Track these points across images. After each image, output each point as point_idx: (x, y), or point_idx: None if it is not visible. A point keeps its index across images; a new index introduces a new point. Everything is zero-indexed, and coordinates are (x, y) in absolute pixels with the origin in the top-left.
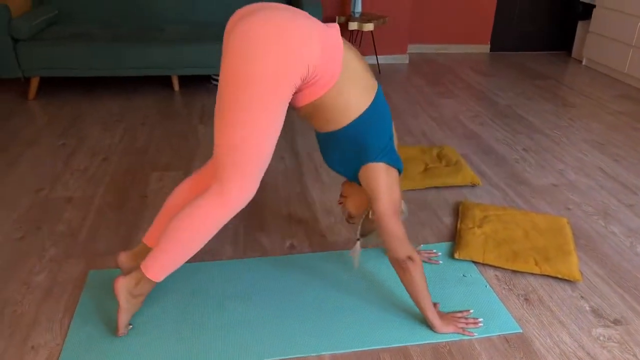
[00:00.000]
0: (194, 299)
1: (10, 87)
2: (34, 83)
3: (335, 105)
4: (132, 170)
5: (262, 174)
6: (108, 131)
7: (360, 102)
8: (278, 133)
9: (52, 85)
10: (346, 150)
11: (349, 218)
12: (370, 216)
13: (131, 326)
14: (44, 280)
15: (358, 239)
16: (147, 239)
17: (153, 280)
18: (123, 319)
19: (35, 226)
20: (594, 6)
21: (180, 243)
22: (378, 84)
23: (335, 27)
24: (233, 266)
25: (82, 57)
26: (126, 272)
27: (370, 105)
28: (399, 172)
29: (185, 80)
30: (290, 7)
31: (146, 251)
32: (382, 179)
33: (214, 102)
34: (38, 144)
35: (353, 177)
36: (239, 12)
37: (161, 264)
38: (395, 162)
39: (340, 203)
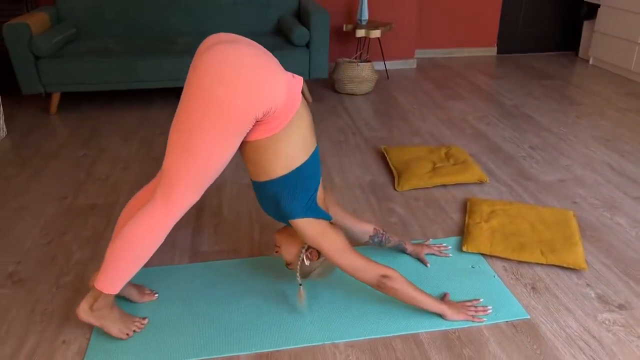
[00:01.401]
0: (213, 292)
1: (32, 103)
2: (55, 98)
3: (271, 152)
4: (151, 178)
5: (205, 188)
6: (127, 142)
7: (294, 158)
8: (230, 157)
9: (72, 100)
10: (271, 203)
11: (287, 265)
12: (305, 260)
13: (147, 319)
14: (72, 281)
15: (300, 284)
16: None
17: (110, 293)
18: (113, 332)
19: (61, 232)
20: (599, 6)
21: (130, 253)
22: (317, 145)
23: (299, 80)
24: (249, 264)
25: (100, 72)
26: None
27: (301, 165)
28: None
29: None
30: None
31: None
32: (312, 230)
33: None
34: (60, 156)
35: (282, 221)
36: (218, 37)
37: (114, 277)
38: (320, 216)
39: (276, 252)
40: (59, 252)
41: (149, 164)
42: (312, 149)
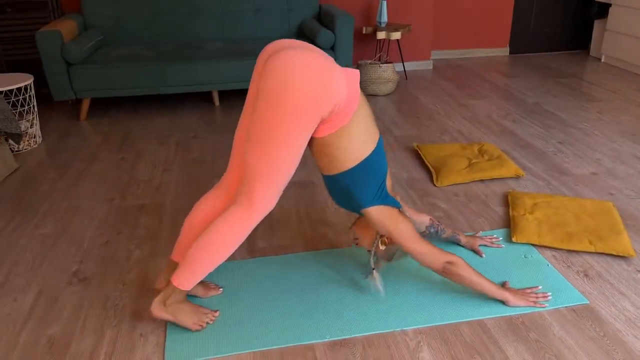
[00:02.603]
0: (277, 284)
1: (61, 110)
2: (85, 104)
3: (340, 146)
4: (194, 178)
5: (283, 189)
6: (162, 145)
7: (362, 149)
8: (301, 155)
9: (101, 106)
10: (343, 195)
11: (369, 251)
12: (380, 245)
13: (218, 312)
14: (136, 278)
15: (373, 269)
16: (175, 256)
17: (184, 290)
18: (187, 324)
19: (117, 231)
20: (610, 5)
21: (211, 253)
22: (380, 134)
23: (356, 73)
24: (307, 257)
25: (130, 77)
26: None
27: (369, 155)
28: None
29: (223, 95)
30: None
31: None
32: (384, 217)
33: None
34: (99, 159)
35: (355, 211)
36: (278, 44)
37: (192, 274)
38: (391, 204)
39: (356, 244)
40: (118, 250)
41: (189, 165)
42: (377, 138)
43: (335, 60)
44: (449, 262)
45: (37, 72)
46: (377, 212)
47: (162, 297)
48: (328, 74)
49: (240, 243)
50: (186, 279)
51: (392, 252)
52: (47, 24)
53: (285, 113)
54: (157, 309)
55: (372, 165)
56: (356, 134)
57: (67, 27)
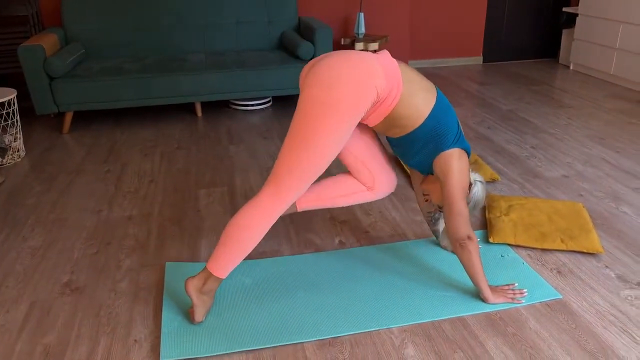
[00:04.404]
0: (265, 287)
1: (43, 123)
2: (68, 117)
3: (407, 112)
4: (180, 189)
5: (310, 184)
6: (147, 156)
7: (427, 101)
8: (336, 153)
9: (84, 119)
10: (423, 146)
11: (440, 209)
12: None
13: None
14: (128, 286)
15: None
16: (299, 202)
17: (219, 277)
18: (198, 314)
19: (106, 242)
20: (577, 15)
21: (241, 240)
22: (435, 86)
23: (386, 53)
24: (294, 261)
25: (114, 90)
26: None
27: (436, 101)
28: (468, 155)
29: (206, 106)
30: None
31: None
32: (454, 163)
33: (237, 125)
34: (84, 172)
35: (428, 170)
36: (314, 60)
37: (225, 262)
38: (466, 147)
39: (426, 200)
40: (108, 260)
41: (174, 175)
42: (435, 88)
43: None
44: (470, 238)
45: (20, 86)
46: (453, 156)
47: (200, 281)
48: (361, 70)
49: (266, 231)
50: (219, 266)
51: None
52: (29, 38)
53: (325, 110)
54: (192, 288)
55: (443, 105)
56: (414, 98)
57: (48, 41)
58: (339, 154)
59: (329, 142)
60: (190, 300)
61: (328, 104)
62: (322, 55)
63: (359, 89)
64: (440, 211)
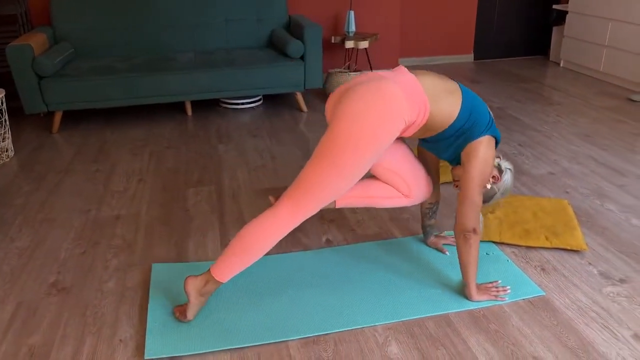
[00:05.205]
0: (251, 286)
1: (33, 123)
2: (58, 117)
3: (437, 120)
4: (168, 188)
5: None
6: (136, 155)
7: (454, 102)
8: (356, 180)
9: (73, 118)
10: (454, 140)
11: None
12: (487, 185)
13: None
14: (115, 286)
15: None
16: (340, 199)
17: (220, 281)
18: (191, 312)
19: (93, 242)
20: (567, 12)
21: (251, 251)
22: (457, 82)
23: (402, 70)
24: (281, 260)
25: (103, 89)
26: None
27: (462, 98)
28: (497, 142)
29: (196, 105)
30: (373, 74)
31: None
32: (481, 150)
33: (227, 124)
34: (74, 172)
35: (458, 161)
36: (340, 87)
37: (230, 268)
38: (496, 135)
39: (455, 186)
40: (95, 260)
41: (164, 174)
42: (458, 86)
43: (305, 69)
44: (475, 231)
45: (8, 85)
46: (483, 143)
47: (202, 282)
48: (383, 102)
49: (274, 244)
50: (223, 271)
51: (492, 193)
52: (17, 37)
53: (352, 142)
54: (193, 288)
55: (470, 99)
56: (441, 106)
57: (37, 40)
58: (373, 170)
59: (355, 169)
60: (187, 299)
61: (355, 137)
62: (347, 87)
63: (385, 124)
64: None
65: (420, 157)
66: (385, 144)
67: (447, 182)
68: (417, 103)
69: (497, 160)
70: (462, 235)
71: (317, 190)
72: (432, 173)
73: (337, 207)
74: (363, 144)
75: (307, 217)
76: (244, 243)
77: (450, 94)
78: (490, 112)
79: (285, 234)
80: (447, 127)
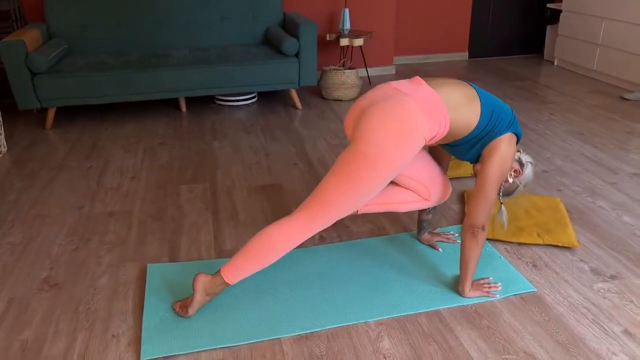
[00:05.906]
0: (245, 284)
1: (26, 119)
2: (51, 113)
3: (458, 128)
4: (162, 185)
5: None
6: (130, 152)
7: (474, 109)
8: (371, 197)
9: (67, 114)
10: (476, 142)
11: None
12: (509, 179)
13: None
14: (108, 282)
15: (501, 203)
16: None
17: (229, 283)
18: (193, 309)
19: (86, 238)
20: (561, 11)
21: (263, 257)
22: (472, 84)
23: (418, 82)
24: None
25: (97, 85)
26: None
27: (481, 103)
28: (518, 139)
29: (190, 102)
30: (390, 89)
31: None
32: (502, 147)
33: (222, 120)
34: (67, 168)
35: (477, 160)
36: (359, 104)
37: (241, 272)
38: (518, 132)
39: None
40: (88, 256)
41: (157, 171)
42: (473, 91)
43: (300, 67)
44: (484, 227)
45: (1, 81)
46: (502, 141)
47: (211, 282)
48: (401, 123)
49: (287, 252)
50: (234, 274)
51: (514, 187)
52: (10, 33)
53: (373, 163)
54: (201, 286)
55: (489, 102)
56: (461, 115)
57: (30, 36)
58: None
59: (372, 187)
60: (192, 293)
61: (373, 158)
62: (364, 103)
63: (403, 144)
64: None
65: (433, 153)
66: (404, 162)
67: (452, 178)
68: (436, 117)
69: (517, 154)
70: (470, 230)
71: (334, 205)
72: (444, 168)
73: (359, 213)
74: (381, 164)
75: (321, 229)
76: (258, 250)
77: (470, 102)
78: (512, 110)
79: (298, 244)
80: (467, 133)
